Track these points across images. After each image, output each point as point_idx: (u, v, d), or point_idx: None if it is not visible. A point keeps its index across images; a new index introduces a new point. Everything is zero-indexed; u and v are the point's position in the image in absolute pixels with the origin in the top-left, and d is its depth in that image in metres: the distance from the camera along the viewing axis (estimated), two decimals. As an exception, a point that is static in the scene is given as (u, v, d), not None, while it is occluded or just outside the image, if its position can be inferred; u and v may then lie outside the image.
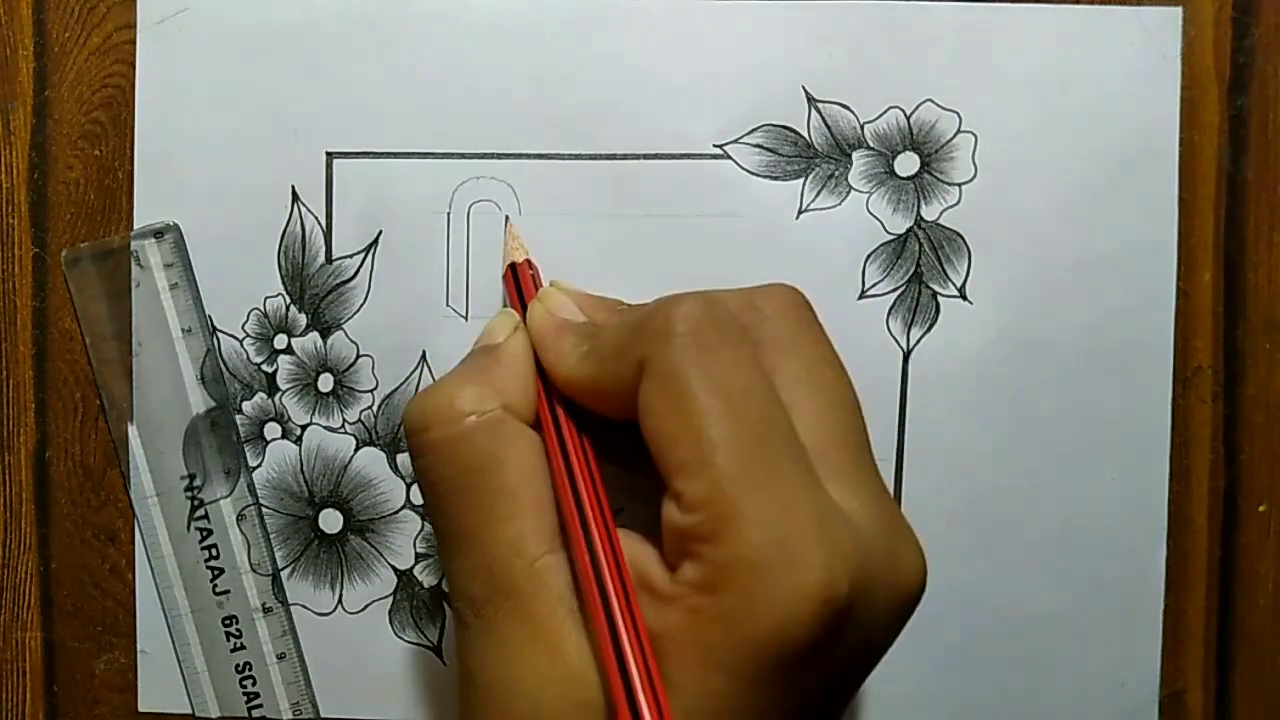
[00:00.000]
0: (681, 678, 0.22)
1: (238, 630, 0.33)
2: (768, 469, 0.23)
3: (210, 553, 0.33)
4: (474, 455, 0.25)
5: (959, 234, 0.33)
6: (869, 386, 0.32)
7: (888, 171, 0.33)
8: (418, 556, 0.33)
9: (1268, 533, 0.33)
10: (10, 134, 0.33)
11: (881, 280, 0.33)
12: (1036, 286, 0.33)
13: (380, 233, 0.33)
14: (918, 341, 0.33)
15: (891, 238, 0.33)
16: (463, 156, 0.33)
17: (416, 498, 0.33)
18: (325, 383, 0.33)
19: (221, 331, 0.33)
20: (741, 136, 0.32)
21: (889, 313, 0.33)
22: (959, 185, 0.33)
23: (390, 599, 0.33)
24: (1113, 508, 0.33)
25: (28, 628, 0.34)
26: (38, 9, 0.33)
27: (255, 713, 0.33)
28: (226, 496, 0.33)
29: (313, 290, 0.33)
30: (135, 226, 0.33)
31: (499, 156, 0.33)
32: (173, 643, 0.33)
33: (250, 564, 0.33)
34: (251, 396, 0.33)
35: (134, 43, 0.33)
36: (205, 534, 0.33)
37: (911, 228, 0.33)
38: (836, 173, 0.33)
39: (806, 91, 0.33)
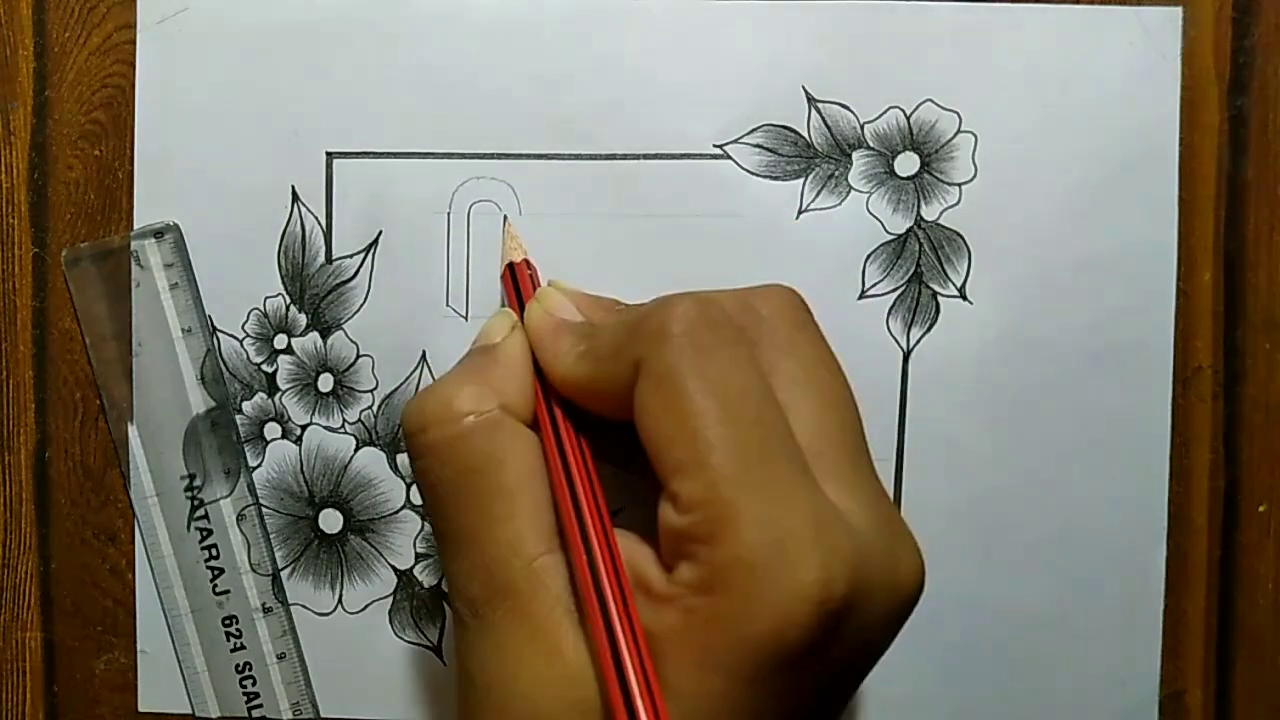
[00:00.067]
0: (678, 678, 0.22)
1: (238, 630, 0.33)
2: (764, 470, 0.23)
3: (210, 553, 0.33)
4: (472, 456, 0.25)
5: (959, 234, 0.33)
6: (869, 386, 0.32)
7: (888, 171, 0.33)
8: (418, 556, 0.33)
9: (1268, 533, 0.33)
10: (10, 134, 0.33)
11: (881, 280, 0.33)
12: (1036, 286, 0.33)
13: (380, 233, 0.33)
14: (918, 341, 0.33)
15: (891, 238, 0.33)
16: (463, 156, 0.33)
17: (416, 498, 0.33)
18: (325, 383, 0.33)
19: (221, 331, 0.33)
20: (741, 136, 0.33)
21: (889, 313, 0.33)
22: (959, 185, 0.33)
23: (390, 599, 0.33)
24: (1113, 508, 0.33)
25: (28, 628, 0.34)
26: (38, 9, 0.33)
27: (255, 713, 0.33)
28: (226, 496, 0.33)
29: (313, 290, 0.33)
30: (135, 226, 0.33)
31: (499, 156, 0.33)
32: (173, 643, 0.33)
33: (250, 564, 0.33)
34: (251, 396, 0.33)
35: (134, 43, 0.33)
36: (205, 534, 0.33)
37: (911, 228, 0.33)
38: (836, 173, 0.33)
39: (806, 91, 0.33)
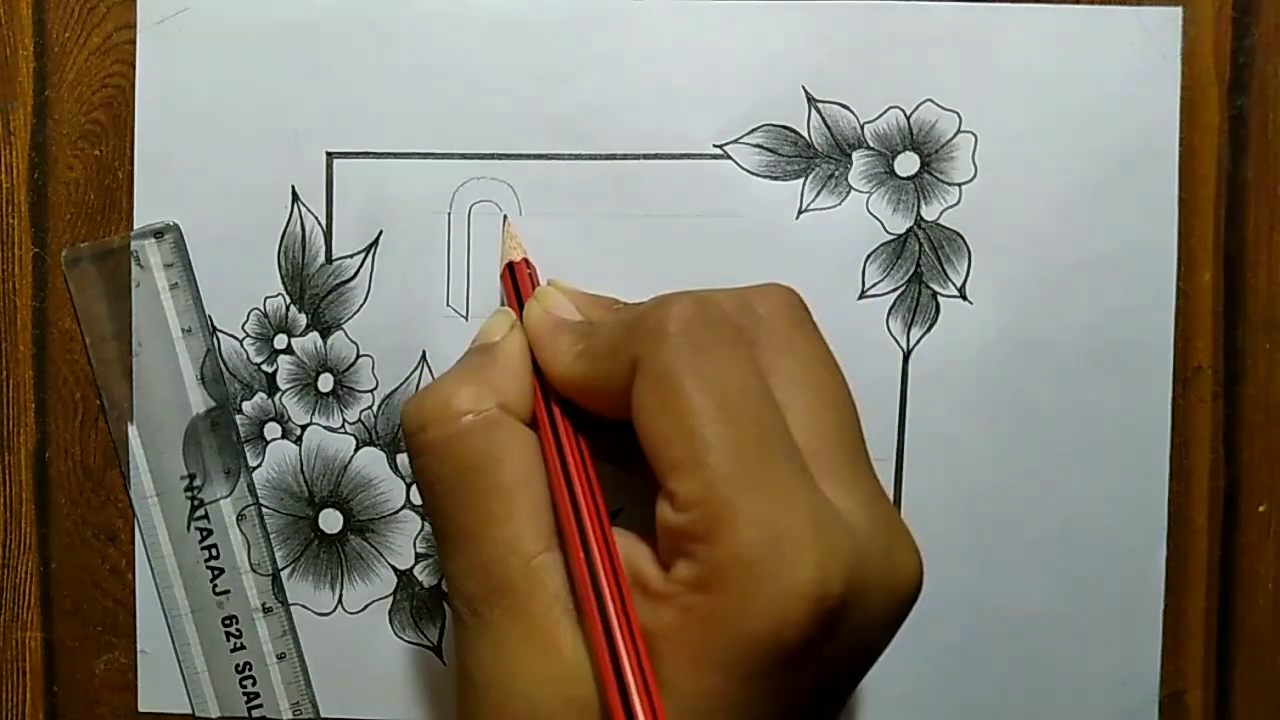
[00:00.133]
0: (675, 676, 0.22)
1: (238, 630, 0.33)
2: (761, 468, 0.23)
3: (210, 553, 0.33)
4: (470, 454, 0.25)
5: (959, 234, 0.33)
6: (869, 386, 0.32)
7: (888, 171, 0.33)
8: (418, 556, 0.33)
9: (1268, 533, 0.33)
10: (10, 134, 0.33)
11: (881, 280, 0.33)
12: (1036, 286, 0.33)
13: (380, 233, 0.33)
14: (918, 341, 0.33)
15: (891, 238, 0.33)
16: (463, 156, 0.33)
17: (416, 498, 0.33)
18: (325, 383, 0.33)
19: (221, 331, 0.33)
20: (741, 136, 0.33)
21: (889, 313, 0.33)
22: (959, 185, 0.33)
23: (390, 599, 0.33)
24: (1113, 508, 0.33)
25: (28, 628, 0.34)
26: (38, 9, 0.33)
27: (255, 713, 0.33)
28: (226, 496, 0.33)
29: (313, 290, 0.33)
30: (135, 226, 0.33)
31: (499, 156, 0.33)
32: (173, 643, 0.33)
33: (250, 564, 0.33)
34: (251, 396, 0.33)
35: (134, 43, 0.33)
36: (205, 534, 0.33)
37: (911, 228, 0.33)
38: (836, 173, 0.33)
39: (806, 91, 0.33)
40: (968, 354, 0.33)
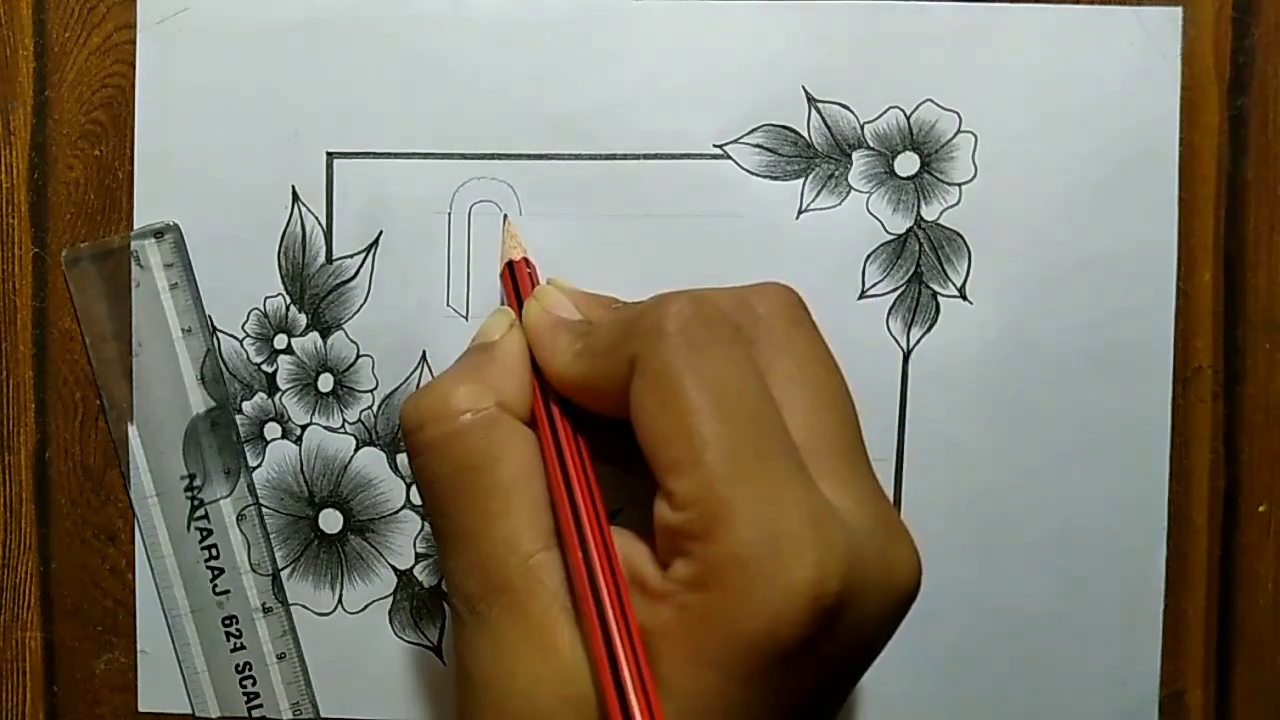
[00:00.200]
0: (673, 675, 0.22)
1: (237, 630, 0.33)
2: (759, 467, 0.23)
3: (210, 553, 0.33)
4: (469, 453, 0.25)
5: (959, 234, 0.33)
6: (869, 386, 0.32)
7: (888, 171, 0.33)
8: (418, 556, 0.33)
9: (1268, 533, 0.33)
10: (10, 134, 0.33)
11: (881, 280, 0.33)
12: (1036, 286, 0.33)
13: (380, 233, 0.33)
14: (918, 341, 0.33)
15: (891, 238, 0.33)
16: (463, 157, 0.33)
17: (416, 498, 0.33)
18: (325, 383, 0.33)
19: (221, 331, 0.33)
20: (741, 136, 0.33)
21: (889, 313, 0.33)
22: (959, 185, 0.33)
23: (390, 599, 0.33)
24: (1113, 508, 0.33)
25: (28, 628, 0.34)
26: (38, 9, 0.33)
27: (255, 713, 0.33)
28: (226, 496, 0.33)
29: (313, 290, 0.33)
30: (135, 226, 0.33)
31: (499, 157, 0.33)
32: (173, 643, 0.33)
33: (250, 564, 0.33)
34: (251, 396, 0.33)
35: (134, 43, 0.33)
36: (205, 534, 0.33)
37: (911, 228, 0.33)
38: (836, 173, 0.33)
39: (806, 91, 0.33)
40: (968, 354, 0.33)
